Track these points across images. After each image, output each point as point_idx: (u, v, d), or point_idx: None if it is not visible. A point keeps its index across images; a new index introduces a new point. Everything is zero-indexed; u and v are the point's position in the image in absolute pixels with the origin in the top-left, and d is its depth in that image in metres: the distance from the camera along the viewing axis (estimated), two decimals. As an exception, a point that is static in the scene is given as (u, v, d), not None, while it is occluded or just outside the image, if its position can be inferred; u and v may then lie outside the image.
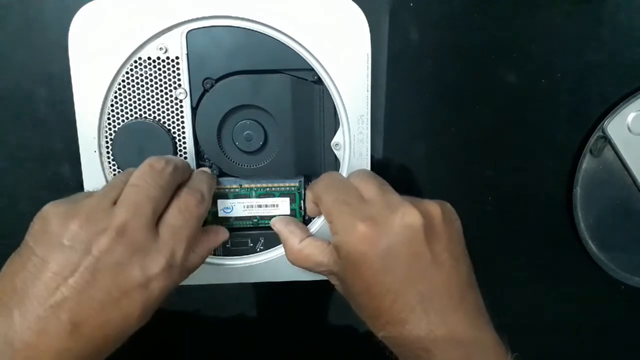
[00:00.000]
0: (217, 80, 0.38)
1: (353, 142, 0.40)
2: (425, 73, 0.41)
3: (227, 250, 0.42)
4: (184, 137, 0.39)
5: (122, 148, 0.39)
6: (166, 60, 0.38)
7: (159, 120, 0.39)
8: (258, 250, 0.42)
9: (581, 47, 0.41)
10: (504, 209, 0.45)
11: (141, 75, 0.38)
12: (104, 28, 0.37)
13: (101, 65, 0.37)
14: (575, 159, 0.43)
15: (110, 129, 0.39)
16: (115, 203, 0.31)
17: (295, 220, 0.41)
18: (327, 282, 0.38)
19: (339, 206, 0.34)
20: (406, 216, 0.32)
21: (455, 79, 0.41)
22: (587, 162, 0.43)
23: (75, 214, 0.30)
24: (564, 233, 0.45)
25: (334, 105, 0.39)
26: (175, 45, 0.37)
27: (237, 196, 0.41)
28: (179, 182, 0.35)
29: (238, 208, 0.41)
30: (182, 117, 0.39)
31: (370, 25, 0.38)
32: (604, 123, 0.42)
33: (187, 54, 0.38)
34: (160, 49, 0.37)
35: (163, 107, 0.39)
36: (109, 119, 0.38)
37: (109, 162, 0.39)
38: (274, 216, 0.41)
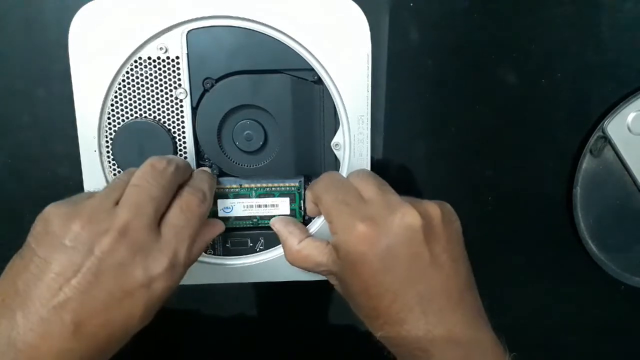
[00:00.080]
0: (217, 80, 0.38)
1: (353, 142, 0.40)
2: (425, 73, 0.41)
3: (226, 250, 0.42)
4: (184, 137, 0.39)
5: (122, 148, 0.39)
6: (166, 60, 0.38)
7: (159, 120, 0.39)
8: (258, 250, 0.42)
9: (581, 47, 0.41)
10: (504, 209, 0.45)
11: (141, 75, 0.38)
12: (104, 28, 0.37)
13: (101, 64, 0.37)
14: (575, 159, 0.43)
15: (110, 128, 0.39)
16: (117, 203, 0.31)
17: (294, 220, 0.41)
18: (326, 282, 0.38)
19: (338, 206, 0.34)
20: (405, 217, 0.32)
21: (455, 79, 0.41)
22: (587, 162, 0.43)
23: (77, 215, 0.30)
24: (564, 233, 0.45)
25: (334, 106, 0.39)
26: (176, 45, 0.37)
27: (237, 196, 0.41)
28: (180, 182, 0.35)
29: (238, 208, 0.41)
30: (182, 116, 0.39)
31: (370, 25, 0.38)
32: (604, 123, 0.42)
33: (188, 54, 0.38)
34: (161, 48, 0.37)
35: (163, 106, 0.39)
36: (109, 118, 0.38)
37: (109, 162, 0.39)
38: (274, 216, 0.41)
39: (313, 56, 0.38)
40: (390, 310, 0.32)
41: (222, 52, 0.38)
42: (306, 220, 0.42)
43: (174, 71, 0.38)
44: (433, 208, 0.34)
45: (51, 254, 0.29)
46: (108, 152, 0.39)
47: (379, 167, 0.41)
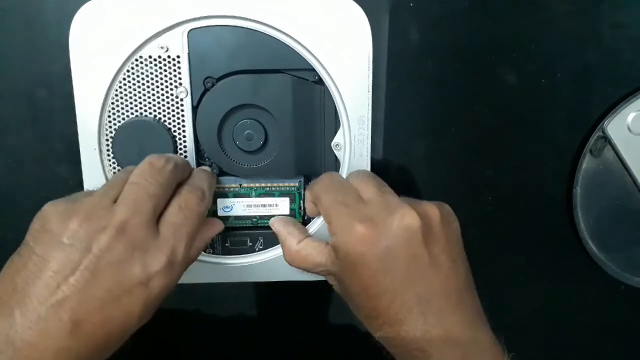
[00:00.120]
0: (218, 80, 0.38)
1: (353, 143, 0.40)
2: (425, 73, 0.41)
3: (226, 249, 0.42)
4: (184, 136, 0.39)
5: (122, 146, 0.39)
6: (167, 59, 0.38)
7: (160, 118, 0.39)
8: (257, 249, 0.42)
9: (581, 47, 0.41)
10: (504, 209, 0.45)
11: (142, 73, 0.38)
12: (106, 26, 0.37)
13: (102, 63, 0.37)
14: (575, 159, 0.43)
15: (110, 126, 0.39)
16: (115, 201, 0.31)
17: (294, 220, 0.41)
18: (326, 282, 0.38)
19: (337, 207, 0.34)
20: (404, 218, 0.32)
21: (455, 79, 0.41)
22: (587, 162, 0.43)
23: (75, 213, 0.30)
24: (564, 233, 0.45)
25: (335, 106, 0.39)
26: (177, 44, 0.37)
27: (236, 195, 0.41)
28: (179, 180, 0.35)
29: (238, 207, 0.41)
30: (182, 116, 0.39)
31: (370, 26, 0.38)
32: (604, 123, 0.42)
33: (189, 53, 0.38)
34: (162, 47, 0.37)
35: (164, 105, 0.39)
36: (109, 116, 0.38)
37: (109, 160, 0.39)
38: (274, 216, 0.41)
39: (314, 56, 0.38)
40: (389, 311, 0.32)
41: (223, 51, 0.38)
42: (305, 221, 0.42)
43: (174, 70, 0.38)
44: (432, 209, 0.34)
45: (49, 252, 0.29)
46: (108, 150, 0.39)
47: (379, 167, 0.41)
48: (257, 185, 0.41)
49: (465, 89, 0.42)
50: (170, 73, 0.38)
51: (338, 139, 0.40)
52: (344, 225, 0.33)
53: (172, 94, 0.38)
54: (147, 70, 0.38)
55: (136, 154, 0.38)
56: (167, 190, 0.33)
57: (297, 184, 0.41)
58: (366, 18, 0.38)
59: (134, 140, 0.38)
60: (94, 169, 0.39)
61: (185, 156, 0.40)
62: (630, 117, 0.42)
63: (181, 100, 0.39)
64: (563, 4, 0.40)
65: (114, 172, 0.39)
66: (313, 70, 0.38)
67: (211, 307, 0.47)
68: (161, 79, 0.38)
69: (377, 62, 0.39)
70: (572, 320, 0.49)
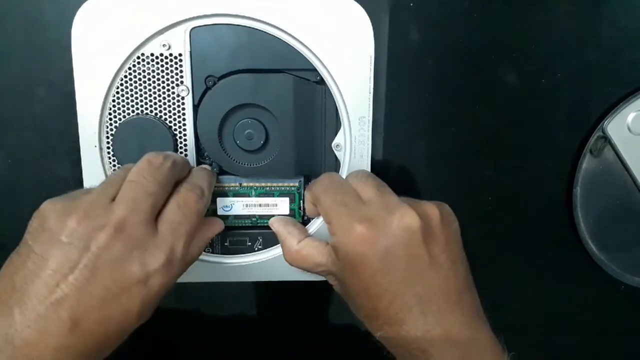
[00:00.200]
0: (219, 79, 0.38)
1: (354, 144, 0.40)
2: (425, 73, 0.41)
3: (225, 248, 0.42)
4: (184, 135, 0.39)
5: (122, 144, 0.39)
6: (169, 57, 0.38)
7: (160, 117, 0.39)
8: (256, 249, 0.42)
9: (581, 47, 0.41)
10: (504, 209, 0.45)
11: (144, 71, 0.38)
12: (108, 23, 0.37)
13: (104, 60, 0.37)
14: (575, 159, 0.43)
15: (111, 124, 0.39)
16: (113, 199, 0.31)
17: (293, 220, 0.41)
18: (326, 282, 0.38)
19: (337, 207, 0.34)
20: (404, 218, 0.32)
21: (455, 79, 0.41)
22: (587, 162, 0.43)
23: (73, 211, 0.30)
24: (564, 233, 0.45)
25: (336, 106, 0.39)
26: (179, 43, 0.37)
27: (236, 195, 0.41)
28: (177, 177, 0.35)
29: (237, 207, 0.41)
30: (183, 114, 0.39)
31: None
32: (604, 123, 0.42)
33: (190, 52, 0.38)
34: (164, 45, 0.37)
35: (165, 103, 0.39)
36: (110, 114, 0.38)
37: (109, 158, 0.39)
38: (273, 216, 0.41)
39: (316, 56, 0.38)
40: (389, 311, 0.32)
41: (225, 50, 0.38)
42: (305, 221, 0.42)
43: (176, 68, 0.38)
44: (431, 209, 0.34)
45: (48, 250, 0.29)
46: (108, 148, 0.39)
47: (379, 167, 0.41)
48: (257, 184, 0.41)
49: (465, 89, 0.42)
50: (171, 71, 0.38)
51: (338, 139, 0.40)
52: (344, 226, 0.33)
53: (173, 93, 0.38)
54: (148, 68, 0.38)
55: (136, 152, 0.38)
56: (166, 188, 0.33)
57: (297, 184, 0.41)
58: (368, 18, 0.38)
59: (135, 138, 0.38)
60: (94, 167, 0.39)
61: (186, 155, 0.40)
62: (630, 117, 0.42)
63: (182, 98, 0.39)
64: (563, 4, 0.40)
65: (114, 170, 0.39)
66: (314, 70, 0.39)
67: (211, 307, 0.47)
68: (162, 77, 0.38)
69: (377, 62, 0.39)
70: (572, 320, 0.49)
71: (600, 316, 0.48)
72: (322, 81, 0.39)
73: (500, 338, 0.33)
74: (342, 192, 0.35)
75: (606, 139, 0.43)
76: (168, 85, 0.38)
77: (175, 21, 0.37)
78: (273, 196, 0.41)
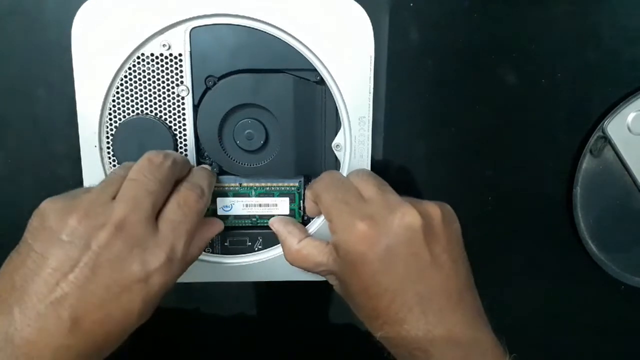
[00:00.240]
0: (219, 78, 0.38)
1: (354, 144, 0.40)
2: (425, 73, 0.41)
3: (225, 248, 0.42)
4: (184, 135, 0.39)
5: (122, 144, 0.39)
6: (169, 57, 0.38)
7: (160, 117, 0.39)
8: (256, 249, 0.42)
9: (581, 47, 0.41)
10: (504, 209, 0.45)
11: (144, 71, 0.38)
12: (108, 23, 0.37)
13: (104, 60, 0.37)
14: (575, 159, 0.43)
15: (111, 124, 0.39)
16: (114, 198, 0.31)
17: (293, 220, 0.41)
18: (326, 282, 0.38)
19: (338, 205, 0.34)
20: (405, 216, 0.32)
21: (455, 79, 0.41)
22: (587, 162, 0.43)
23: (74, 209, 0.30)
24: (564, 233, 0.45)
25: (336, 106, 0.39)
26: (179, 42, 0.37)
27: (236, 195, 0.41)
28: (177, 176, 0.35)
29: (237, 207, 0.41)
30: (183, 114, 0.39)
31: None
32: (604, 123, 0.42)
33: (191, 52, 0.38)
34: (164, 45, 0.37)
35: (165, 104, 0.39)
36: (110, 114, 0.38)
37: (109, 158, 0.39)
38: (273, 216, 0.41)
39: (316, 56, 0.38)
40: (389, 311, 0.32)
41: (225, 50, 0.38)
42: (305, 221, 0.42)
43: (176, 68, 0.38)
44: (433, 208, 0.34)
45: (48, 249, 0.29)
46: (108, 148, 0.39)
47: (379, 168, 0.41)
48: (257, 184, 0.41)
49: (465, 89, 0.42)
50: (171, 71, 0.38)
51: (339, 139, 0.40)
52: (345, 224, 0.33)
53: (173, 93, 0.38)
54: (148, 68, 0.38)
55: (137, 152, 0.38)
56: (166, 187, 0.33)
57: (297, 184, 0.41)
58: (368, 18, 0.38)
59: (135, 138, 0.38)
60: (94, 167, 0.39)
61: (186, 155, 0.39)
62: (630, 117, 0.42)
63: (182, 98, 0.39)
64: (563, 4, 0.40)
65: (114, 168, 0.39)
66: (314, 70, 0.39)
67: (211, 307, 0.47)
68: (163, 77, 0.38)
69: (377, 62, 0.39)
70: (572, 320, 0.48)
71: (600, 316, 0.48)
72: (322, 81, 0.39)
73: (501, 340, 0.33)
74: (343, 190, 0.35)
75: (606, 139, 0.43)
76: (168, 85, 0.38)
77: (175, 21, 0.37)
78: (273, 196, 0.41)
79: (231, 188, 0.41)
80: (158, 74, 0.38)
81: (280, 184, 0.41)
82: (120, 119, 0.39)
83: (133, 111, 0.39)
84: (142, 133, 0.38)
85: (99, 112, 0.38)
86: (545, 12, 0.40)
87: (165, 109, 0.39)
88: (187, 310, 0.47)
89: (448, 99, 0.42)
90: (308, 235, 0.38)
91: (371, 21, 0.38)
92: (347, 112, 0.39)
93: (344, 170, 0.40)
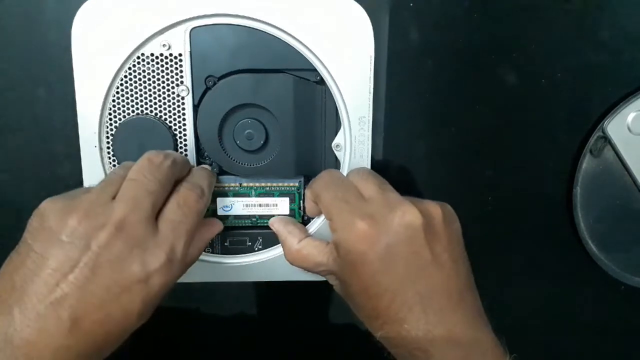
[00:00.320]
0: (219, 79, 0.38)
1: (354, 144, 0.40)
2: (425, 73, 0.41)
3: (225, 248, 0.42)
4: (184, 135, 0.39)
5: (122, 144, 0.39)
6: (169, 57, 0.38)
7: (160, 117, 0.39)
8: (256, 249, 0.42)
9: (581, 47, 0.41)
10: (504, 209, 0.45)
11: (144, 71, 0.38)
12: (108, 23, 0.37)
13: (104, 60, 0.37)
14: (575, 159, 0.43)
15: (111, 124, 0.39)
16: (114, 198, 0.31)
17: (293, 220, 0.41)
18: (326, 282, 0.38)
19: (338, 204, 0.34)
20: (406, 215, 0.32)
21: (455, 79, 0.41)
22: (587, 162, 0.43)
23: (74, 210, 0.30)
24: (564, 233, 0.45)
25: (336, 106, 0.39)
26: (179, 43, 0.37)
27: (236, 195, 0.41)
28: (177, 176, 0.35)
29: (237, 207, 0.41)
30: (183, 114, 0.39)
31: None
32: (604, 123, 0.42)
33: (191, 52, 0.38)
34: (164, 45, 0.37)
35: (165, 104, 0.39)
36: (110, 114, 0.38)
37: (109, 158, 0.39)
38: (273, 216, 0.41)
39: (316, 56, 0.38)
40: (389, 310, 0.32)
41: (225, 50, 0.38)
42: (305, 221, 0.42)
43: (176, 68, 0.38)
44: (434, 207, 0.34)
45: (48, 249, 0.29)
46: (108, 148, 0.39)
47: (379, 168, 0.41)
48: (257, 184, 0.41)
49: (465, 89, 0.42)
50: (171, 71, 0.38)
51: (339, 139, 0.40)
52: (345, 222, 0.33)
53: (173, 93, 0.38)
54: (148, 68, 0.38)
55: (136, 152, 0.38)
56: (166, 187, 0.33)
57: (297, 184, 0.41)
58: (368, 18, 0.38)
59: (135, 138, 0.38)
60: (94, 167, 0.39)
61: (186, 155, 0.39)
62: (630, 117, 0.42)
63: (182, 98, 0.39)
64: (563, 4, 0.40)
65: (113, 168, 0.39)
66: (314, 70, 0.39)
67: (211, 307, 0.47)
68: (162, 77, 0.38)
69: (377, 62, 0.39)
70: (572, 320, 0.48)
71: (600, 316, 0.48)
72: (322, 81, 0.39)
73: (501, 340, 0.33)
74: (343, 188, 0.35)
75: (606, 139, 0.43)
76: (168, 85, 0.38)
77: (175, 21, 0.37)
78: (273, 196, 0.41)
79: (231, 188, 0.41)
80: (158, 74, 0.38)
81: (280, 184, 0.41)
82: (120, 119, 0.39)
83: (133, 111, 0.39)
84: (142, 133, 0.38)
85: (99, 112, 0.38)
86: (545, 12, 0.40)
87: (165, 109, 0.39)
88: (187, 310, 0.47)
89: (448, 99, 0.42)
90: (308, 235, 0.38)
91: (371, 21, 0.38)
92: (347, 112, 0.39)
93: (344, 170, 0.40)
